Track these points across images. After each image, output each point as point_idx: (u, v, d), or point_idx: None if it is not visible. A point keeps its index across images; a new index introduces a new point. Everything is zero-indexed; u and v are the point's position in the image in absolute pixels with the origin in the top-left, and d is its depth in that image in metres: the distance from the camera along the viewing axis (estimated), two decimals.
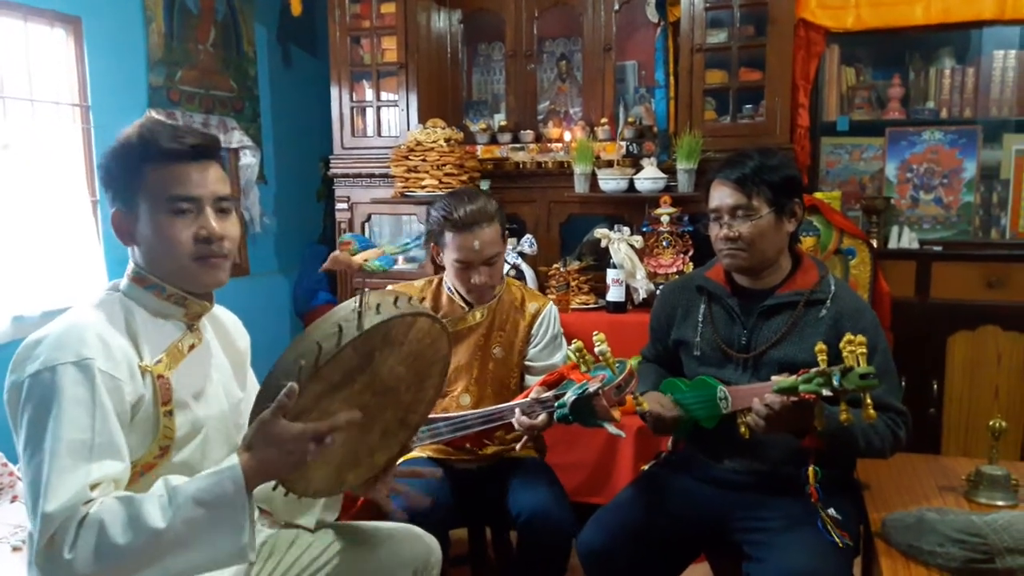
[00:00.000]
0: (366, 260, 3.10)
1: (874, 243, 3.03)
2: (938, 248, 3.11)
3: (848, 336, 1.42)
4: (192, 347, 1.38)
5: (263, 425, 1.16)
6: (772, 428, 1.58)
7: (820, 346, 1.48)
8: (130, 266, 1.36)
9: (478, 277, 2.06)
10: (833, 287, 1.81)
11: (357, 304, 1.20)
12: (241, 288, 3.38)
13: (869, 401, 1.41)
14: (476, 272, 2.06)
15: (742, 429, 1.67)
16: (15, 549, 1.70)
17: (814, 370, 1.46)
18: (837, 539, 1.60)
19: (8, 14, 2.67)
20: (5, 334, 2.57)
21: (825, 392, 1.43)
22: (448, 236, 2.05)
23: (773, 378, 1.58)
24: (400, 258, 3.31)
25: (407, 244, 3.29)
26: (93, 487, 1.14)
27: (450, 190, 2.74)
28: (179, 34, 3.35)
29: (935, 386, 3.00)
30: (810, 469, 1.66)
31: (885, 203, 3.16)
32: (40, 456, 1.14)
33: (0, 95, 2.65)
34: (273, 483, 1.25)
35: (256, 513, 1.53)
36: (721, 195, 1.81)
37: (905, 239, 3.15)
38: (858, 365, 1.39)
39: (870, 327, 1.73)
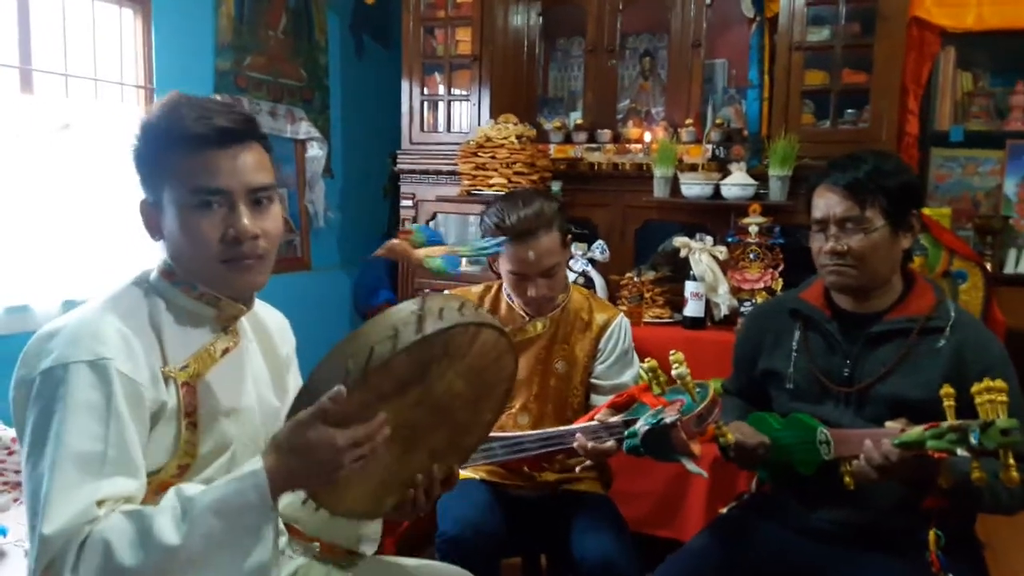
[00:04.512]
0: (427, 256, 2.87)
1: (988, 266, 2.73)
2: None
3: (987, 382, 1.19)
4: (226, 351, 1.21)
5: (298, 427, 1.01)
6: (885, 480, 1.35)
7: (947, 389, 1.26)
8: (160, 257, 1.21)
9: (535, 289, 1.89)
10: (953, 313, 1.56)
11: (418, 307, 1.05)
12: (301, 283, 3.33)
13: (1012, 462, 1.17)
14: (532, 284, 1.88)
15: (847, 479, 1.43)
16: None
17: (946, 424, 1.22)
18: None
19: None
20: (56, 317, 2.50)
21: (960, 452, 1.19)
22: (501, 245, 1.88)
23: (888, 424, 1.35)
24: (464, 260, 3.09)
25: (481, 248, 2.90)
26: (100, 504, 0.99)
27: (504, 192, 2.54)
28: (249, 19, 3.26)
29: None
30: (931, 533, 1.41)
31: (1002, 223, 2.89)
32: (42, 467, 1.00)
33: (64, 73, 2.59)
34: (304, 496, 1.10)
35: (286, 537, 1.36)
36: (829, 203, 1.57)
37: None
38: (999, 417, 1.15)
39: (999, 363, 1.49)
